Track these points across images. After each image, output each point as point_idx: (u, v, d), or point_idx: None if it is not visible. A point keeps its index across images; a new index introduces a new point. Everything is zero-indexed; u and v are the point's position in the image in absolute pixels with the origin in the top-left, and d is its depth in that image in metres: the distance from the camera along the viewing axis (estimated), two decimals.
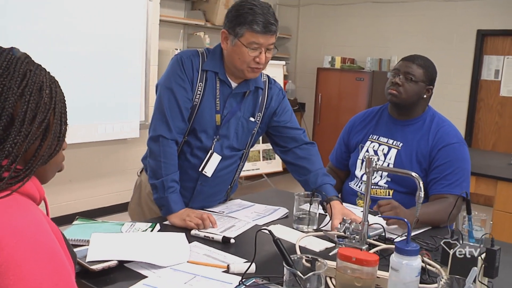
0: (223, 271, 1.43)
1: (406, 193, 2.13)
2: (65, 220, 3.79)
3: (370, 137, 2.32)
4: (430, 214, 1.97)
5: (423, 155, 2.16)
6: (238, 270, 1.41)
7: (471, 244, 1.36)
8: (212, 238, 1.68)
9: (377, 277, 1.30)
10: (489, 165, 3.69)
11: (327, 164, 2.44)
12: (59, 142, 1.03)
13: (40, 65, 1.03)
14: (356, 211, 1.94)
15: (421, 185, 1.55)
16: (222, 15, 5.57)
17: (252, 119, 2.01)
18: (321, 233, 1.80)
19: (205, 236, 1.69)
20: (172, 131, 1.86)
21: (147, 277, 1.36)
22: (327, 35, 7.19)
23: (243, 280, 1.32)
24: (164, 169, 1.84)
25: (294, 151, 2.07)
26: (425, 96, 2.21)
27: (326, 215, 1.94)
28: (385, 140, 2.27)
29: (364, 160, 2.27)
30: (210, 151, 1.94)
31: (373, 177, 1.83)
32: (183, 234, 1.68)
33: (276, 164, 5.88)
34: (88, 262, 1.37)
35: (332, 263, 1.33)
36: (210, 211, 2.01)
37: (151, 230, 1.72)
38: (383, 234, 1.71)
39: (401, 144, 2.22)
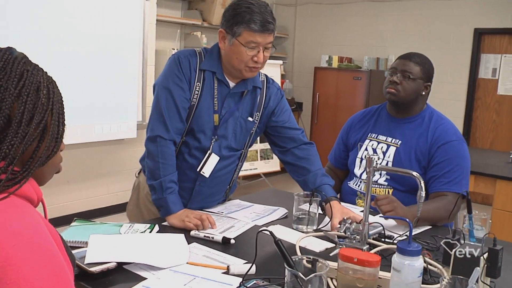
0: (223, 272, 1.41)
1: (406, 192, 2.13)
2: (63, 221, 3.78)
3: (369, 136, 2.32)
4: (430, 211, 1.96)
5: (422, 152, 2.16)
6: (238, 271, 1.40)
7: (472, 243, 1.35)
8: (212, 238, 1.67)
9: (379, 277, 1.29)
10: (487, 163, 3.68)
11: (325, 163, 2.43)
12: (57, 143, 1.02)
13: (37, 65, 1.01)
14: (356, 211, 1.93)
15: (422, 184, 1.54)
16: (219, 15, 5.58)
17: (250, 119, 2.00)
18: (321, 233, 1.79)
19: (205, 236, 1.68)
20: (170, 132, 1.85)
21: (146, 278, 1.35)
22: (324, 34, 7.18)
23: (243, 281, 1.30)
24: (162, 169, 1.83)
25: (293, 151, 2.06)
26: (423, 93, 2.21)
27: (325, 215, 1.93)
28: (383, 138, 2.26)
29: (363, 158, 2.27)
30: (208, 152, 1.93)
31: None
32: (182, 235, 1.67)
33: (274, 164, 5.87)
34: (86, 264, 1.36)
35: (333, 264, 1.32)
36: (209, 211, 1.99)
37: (150, 231, 1.70)
38: (383, 232, 1.70)
39: (399, 142, 2.21)
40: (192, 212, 1.82)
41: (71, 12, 4.06)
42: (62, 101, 1.04)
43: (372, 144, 2.28)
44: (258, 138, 2.56)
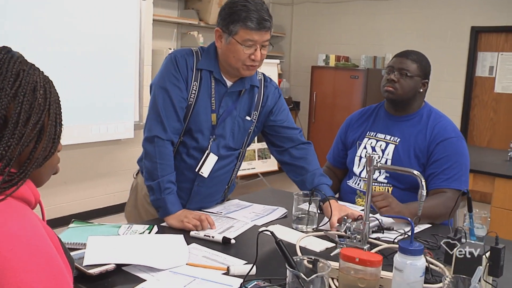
0: (223, 273, 1.40)
1: (406, 189, 2.12)
2: (60, 222, 3.77)
3: (367, 134, 2.32)
4: (429, 208, 1.95)
5: (420, 150, 2.15)
6: (239, 272, 1.38)
7: (473, 242, 1.34)
8: (213, 237, 1.66)
9: (381, 277, 1.28)
10: (485, 161, 3.68)
11: (323, 162, 2.42)
12: (54, 144, 1.00)
13: (34, 65, 1.00)
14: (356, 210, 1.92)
15: (423, 183, 1.53)
16: (215, 14, 5.55)
17: (248, 118, 1.98)
18: (322, 233, 1.78)
19: (205, 235, 1.67)
20: (167, 132, 1.84)
21: (145, 280, 1.34)
22: (321, 33, 7.18)
23: (244, 282, 1.29)
24: (160, 170, 1.81)
25: (290, 151, 2.05)
26: (421, 90, 2.22)
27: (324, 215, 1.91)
28: (382, 136, 2.26)
29: (362, 157, 2.26)
30: (207, 152, 1.92)
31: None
32: (182, 236, 1.65)
33: (271, 163, 5.86)
34: (85, 266, 1.34)
35: (333, 264, 1.30)
36: (208, 212, 1.98)
37: (149, 232, 1.69)
38: (382, 225, 1.69)
39: (398, 139, 2.21)
40: (191, 213, 1.81)
41: (68, 12, 4.04)
42: (59, 101, 1.03)
43: (371, 143, 2.27)
44: (256, 138, 2.55)
